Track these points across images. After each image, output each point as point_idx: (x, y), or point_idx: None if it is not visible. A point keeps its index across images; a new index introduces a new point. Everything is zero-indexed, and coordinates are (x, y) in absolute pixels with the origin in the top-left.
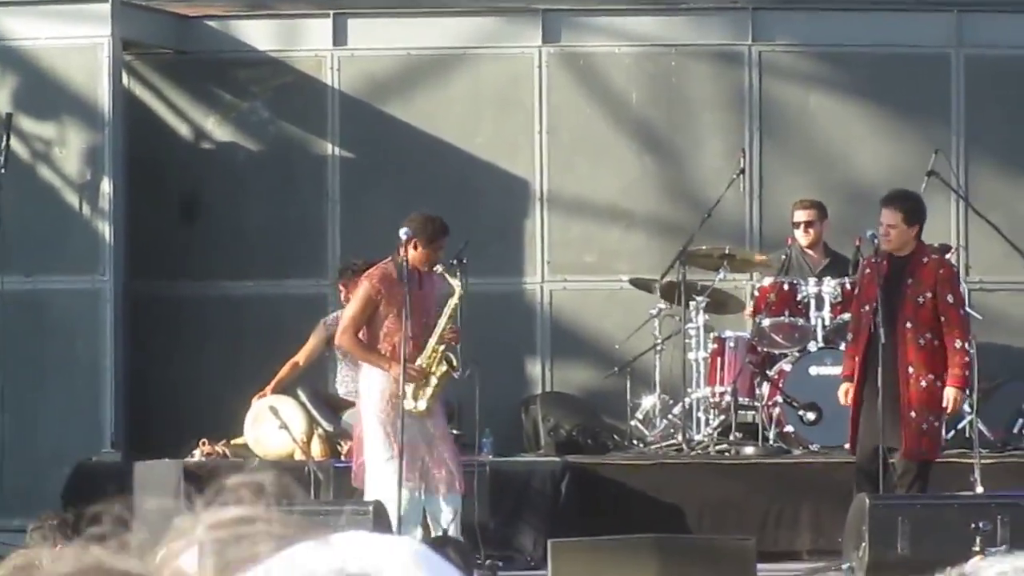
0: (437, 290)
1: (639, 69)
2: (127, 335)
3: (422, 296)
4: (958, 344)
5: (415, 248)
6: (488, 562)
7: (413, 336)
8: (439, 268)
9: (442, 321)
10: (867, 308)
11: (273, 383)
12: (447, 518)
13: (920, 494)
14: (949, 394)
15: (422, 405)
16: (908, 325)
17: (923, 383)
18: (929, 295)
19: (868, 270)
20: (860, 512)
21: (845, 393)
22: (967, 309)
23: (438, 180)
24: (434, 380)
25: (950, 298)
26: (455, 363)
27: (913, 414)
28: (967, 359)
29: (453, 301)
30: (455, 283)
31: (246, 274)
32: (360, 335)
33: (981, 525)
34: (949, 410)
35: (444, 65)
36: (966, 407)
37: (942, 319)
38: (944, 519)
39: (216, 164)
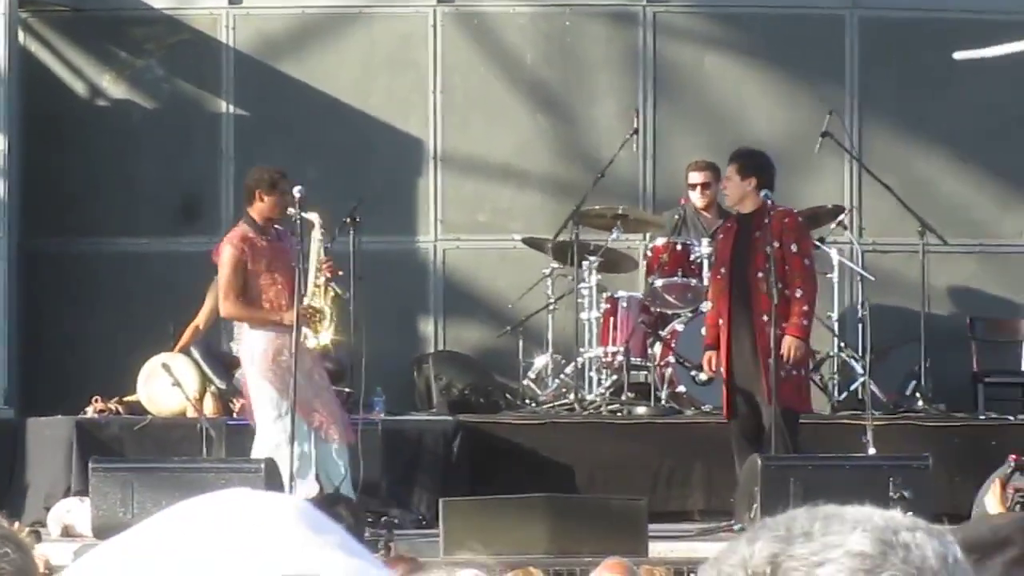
0: (294, 237)
1: (534, 29)
2: (21, 292)
3: (283, 248)
4: (799, 293)
5: (261, 200)
6: (384, 519)
7: (288, 287)
8: (292, 211)
9: (312, 255)
10: (723, 272)
11: (176, 349)
12: (340, 471)
13: (805, 454)
14: (786, 343)
15: (325, 338)
16: (759, 275)
17: (778, 332)
18: (776, 244)
19: (722, 235)
20: (752, 472)
21: (709, 361)
22: (814, 260)
23: (332, 139)
24: (328, 311)
25: (794, 247)
26: (339, 289)
27: (771, 362)
28: (806, 308)
29: (316, 234)
30: (312, 215)
31: (140, 231)
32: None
33: (906, 495)
34: (787, 359)
35: (339, 24)
36: (858, 368)
37: (786, 268)
38: (836, 480)
39: (111, 121)
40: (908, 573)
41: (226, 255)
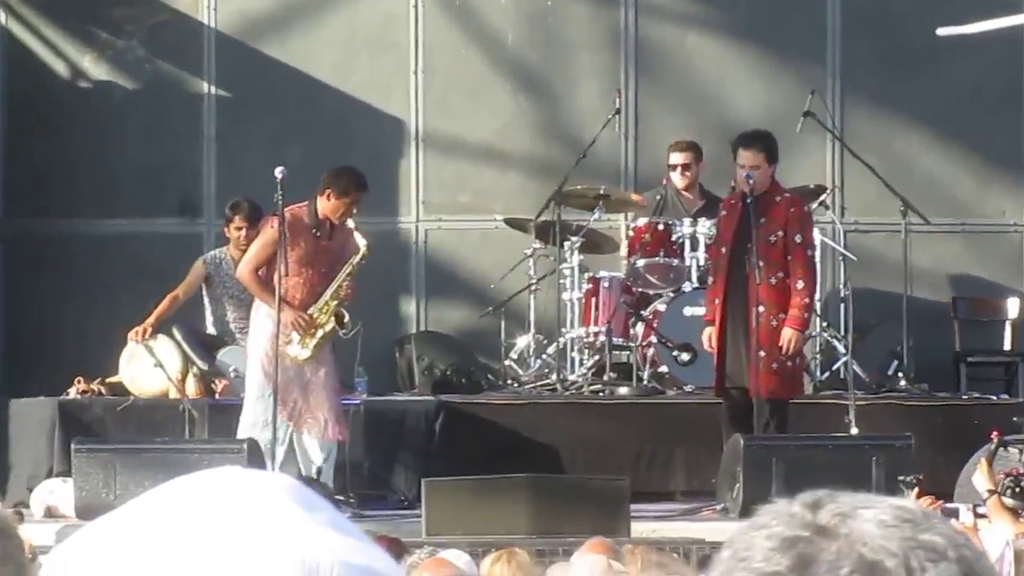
0: (347, 245)
1: (515, 9)
2: (2, 273)
3: (328, 247)
4: (800, 285)
5: (328, 199)
6: (352, 500)
7: (311, 285)
8: (351, 223)
9: (340, 276)
10: (724, 250)
11: (153, 316)
12: (317, 463)
13: (788, 434)
14: (785, 335)
15: (304, 354)
16: (760, 264)
17: (773, 322)
18: (780, 234)
19: (725, 212)
20: (735, 453)
21: (708, 337)
22: (831, 251)
23: (313, 120)
24: (320, 332)
25: (798, 238)
26: (345, 320)
27: (762, 353)
28: (807, 300)
29: (356, 259)
30: (362, 242)
31: (122, 212)
32: (260, 272)
33: (920, 478)
34: (786, 351)
35: (320, 5)
36: (840, 348)
37: (788, 258)
38: (818, 460)
39: (92, 102)
40: (948, 535)
41: (269, 229)
